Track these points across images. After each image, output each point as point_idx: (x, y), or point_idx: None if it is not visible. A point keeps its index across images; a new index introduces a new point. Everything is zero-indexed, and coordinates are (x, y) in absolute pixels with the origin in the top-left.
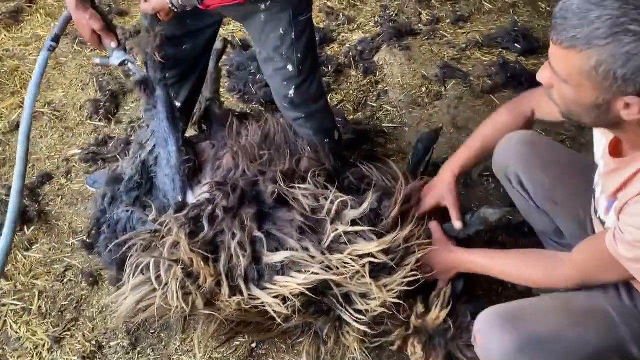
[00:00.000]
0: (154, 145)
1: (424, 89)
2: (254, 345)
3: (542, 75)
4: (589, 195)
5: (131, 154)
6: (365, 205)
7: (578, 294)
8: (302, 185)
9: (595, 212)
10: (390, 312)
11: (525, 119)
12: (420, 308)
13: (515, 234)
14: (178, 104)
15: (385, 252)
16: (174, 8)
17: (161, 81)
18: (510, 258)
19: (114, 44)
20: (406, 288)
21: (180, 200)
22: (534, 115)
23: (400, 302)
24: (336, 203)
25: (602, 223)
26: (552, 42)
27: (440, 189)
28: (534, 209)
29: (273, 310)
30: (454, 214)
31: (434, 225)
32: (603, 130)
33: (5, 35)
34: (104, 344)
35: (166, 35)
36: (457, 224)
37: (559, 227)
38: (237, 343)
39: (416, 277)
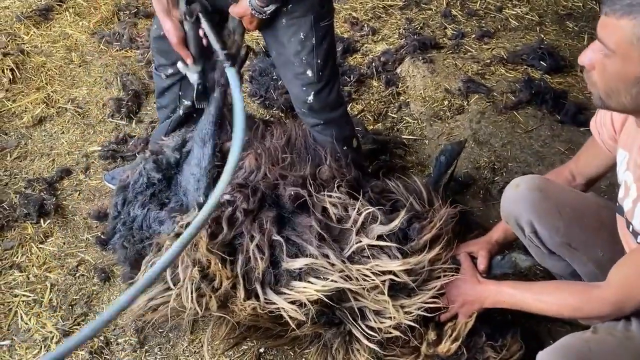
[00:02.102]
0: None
1: (446, 102)
2: (262, 350)
3: (584, 57)
4: (607, 230)
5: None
6: (395, 223)
7: (630, 326)
8: (333, 194)
9: (629, 225)
10: (404, 338)
11: (568, 183)
12: (432, 336)
13: None
14: (187, 103)
15: (408, 272)
16: (256, 14)
17: (222, 86)
18: (544, 286)
19: (189, 60)
20: (424, 314)
21: (202, 202)
22: (575, 179)
23: (416, 326)
24: (363, 214)
25: (636, 235)
26: (604, 15)
27: (480, 243)
28: (547, 256)
29: (288, 316)
30: (482, 263)
31: (462, 256)
32: (625, 141)
33: (34, 32)
34: (112, 340)
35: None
36: (480, 269)
37: (576, 270)
38: (245, 347)
39: (436, 305)
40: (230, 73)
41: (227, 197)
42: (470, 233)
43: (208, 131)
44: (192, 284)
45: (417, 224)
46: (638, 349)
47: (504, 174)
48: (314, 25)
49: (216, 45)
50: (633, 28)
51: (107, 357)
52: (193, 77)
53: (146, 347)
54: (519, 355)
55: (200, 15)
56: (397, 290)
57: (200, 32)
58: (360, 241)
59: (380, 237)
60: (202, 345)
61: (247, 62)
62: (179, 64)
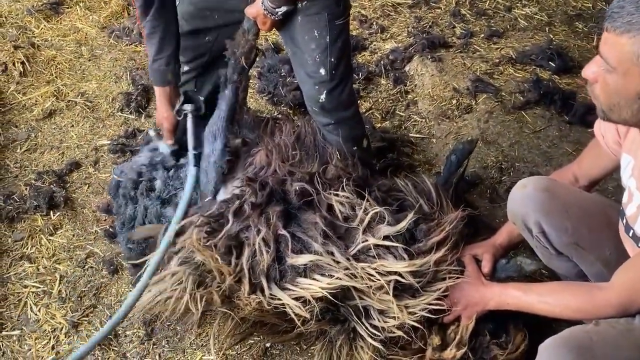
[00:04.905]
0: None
1: (454, 102)
2: (268, 345)
3: (588, 70)
4: (614, 230)
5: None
6: (402, 225)
7: (632, 320)
8: (340, 192)
9: (630, 230)
10: (407, 338)
11: (570, 185)
12: (436, 340)
13: None
14: (201, 98)
15: (413, 273)
16: (268, 15)
17: (234, 83)
18: (548, 287)
19: (169, 142)
20: (428, 315)
21: (211, 197)
22: (578, 181)
23: (419, 327)
24: (370, 214)
25: (637, 240)
26: (606, 31)
27: (485, 246)
28: (555, 257)
29: (293, 313)
30: (486, 266)
31: (467, 258)
32: (629, 147)
33: (44, 26)
34: (119, 332)
35: (191, 27)
36: (484, 272)
37: (583, 270)
38: (252, 341)
39: (441, 307)
40: (191, 172)
41: (236, 190)
42: (479, 236)
43: (219, 127)
44: (193, 282)
45: (424, 225)
46: (638, 340)
47: (512, 173)
48: (328, 24)
49: (190, 145)
50: (633, 46)
51: (115, 348)
52: (165, 150)
53: (154, 340)
54: (524, 346)
55: (189, 116)
56: (401, 290)
57: (189, 125)
58: (366, 240)
59: (386, 237)
60: (209, 339)
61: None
62: (151, 132)
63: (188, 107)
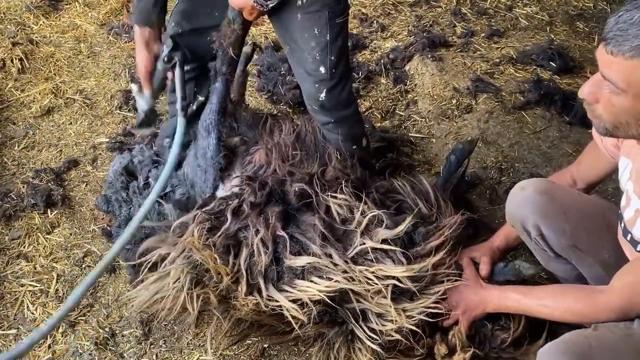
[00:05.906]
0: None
1: (454, 101)
2: (265, 345)
3: (585, 91)
4: (612, 232)
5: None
6: (400, 229)
7: (631, 324)
8: (339, 195)
9: (627, 234)
10: (406, 342)
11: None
12: (443, 350)
13: None
14: (201, 99)
15: (411, 277)
16: (257, 6)
17: (224, 75)
18: (547, 290)
19: (146, 91)
20: (426, 319)
21: (210, 194)
22: (576, 184)
23: (418, 330)
24: (368, 217)
25: (635, 244)
26: (609, 54)
27: (482, 249)
28: (553, 259)
29: (290, 315)
30: (484, 269)
31: (465, 261)
32: (628, 151)
33: (43, 22)
34: (117, 332)
35: (192, 26)
36: (482, 274)
37: (581, 273)
38: (249, 342)
39: (439, 311)
40: (180, 122)
41: (235, 189)
42: (479, 237)
43: (212, 121)
44: (190, 280)
45: (422, 228)
46: (638, 345)
47: (511, 174)
48: (328, 22)
49: (179, 94)
50: None
51: (112, 348)
52: (142, 106)
53: (151, 340)
54: (524, 320)
55: (178, 63)
56: (399, 293)
57: (169, 75)
58: (364, 243)
59: (384, 241)
60: (206, 339)
61: (255, 57)
62: (134, 86)
63: (177, 55)
